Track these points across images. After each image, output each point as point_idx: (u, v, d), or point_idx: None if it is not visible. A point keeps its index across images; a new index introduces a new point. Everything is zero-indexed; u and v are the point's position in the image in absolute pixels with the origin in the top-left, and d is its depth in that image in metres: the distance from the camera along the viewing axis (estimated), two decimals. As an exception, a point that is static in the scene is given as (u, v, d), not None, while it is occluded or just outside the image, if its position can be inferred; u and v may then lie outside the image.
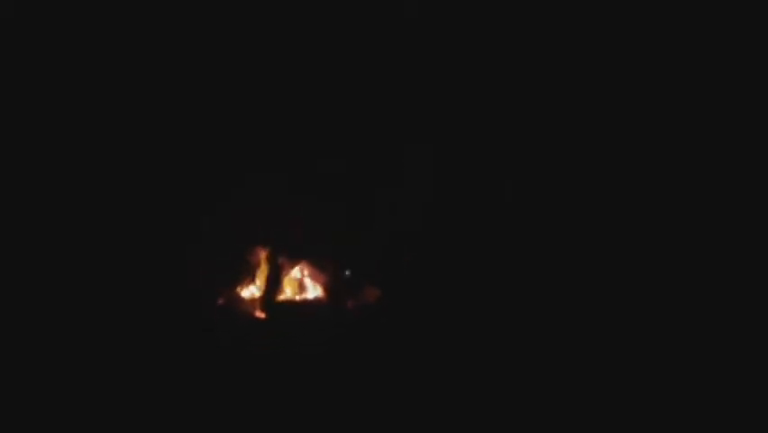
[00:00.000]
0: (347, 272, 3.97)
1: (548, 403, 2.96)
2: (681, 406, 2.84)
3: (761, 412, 2.66)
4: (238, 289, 4.24)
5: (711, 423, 2.73)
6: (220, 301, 4.08)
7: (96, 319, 3.23)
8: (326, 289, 4.33)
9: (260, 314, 4.45)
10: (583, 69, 2.99)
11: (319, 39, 3.02)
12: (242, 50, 3.11)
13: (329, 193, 3.65)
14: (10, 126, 3.02)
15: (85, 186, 3.22)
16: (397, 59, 2.99)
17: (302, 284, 4.55)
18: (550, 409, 2.93)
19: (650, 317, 3.12)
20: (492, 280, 3.20)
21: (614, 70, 2.99)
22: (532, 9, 2.92)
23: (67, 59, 3.09)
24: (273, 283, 4.45)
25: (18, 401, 2.74)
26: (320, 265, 4.25)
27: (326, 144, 3.25)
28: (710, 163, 3.03)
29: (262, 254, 4.26)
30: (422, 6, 2.95)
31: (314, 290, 4.35)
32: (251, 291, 4.51)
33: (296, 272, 4.40)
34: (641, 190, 3.12)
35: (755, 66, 2.84)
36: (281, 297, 4.33)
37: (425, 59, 3.02)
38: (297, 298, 4.45)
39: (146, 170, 3.35)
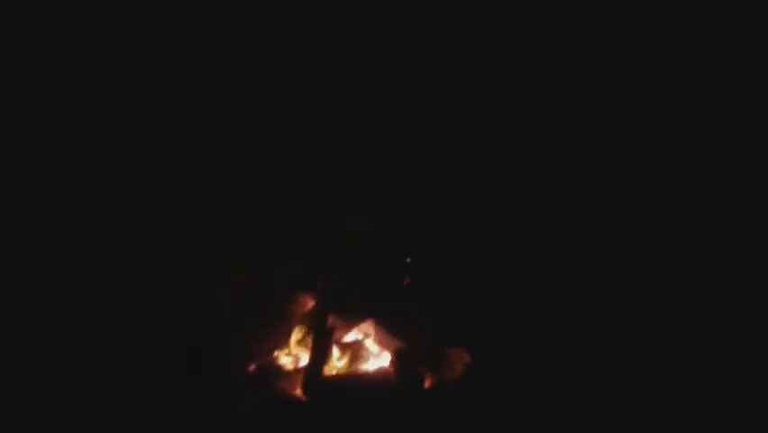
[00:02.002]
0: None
1: (550, 403, 2.90)
2: (682, 406, 2.78)
3: (761, 412, 2.63)
4: (275, 354, 3.36)
5: (711, 423, 2.69)
6: (250, 369, 3.26)
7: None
8: (396, 357, 3.31)
9: (299, 392, 3.10)
10: (583, 68, 2.96)
11: (319, 38, 2.99)
12: (242, 50, 3.07)
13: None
14: (10, 126, 2.95)
15: (85, 191, 3.07)
16: (397, 58, 2.97)
17: (361, 351, 3.42)
18: (552, 408, 2.88)
19: (650, 316, 3.01)
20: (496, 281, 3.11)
21: (613, 70, 2.96)
22: (532, 9, 2.92)
23: (66, 60, 3.01)
24: (320, 350, 3.13)
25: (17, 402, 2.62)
26: (391, 324, 3.33)
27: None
28: (710, 163, 2.97)
29: (307, 306, 3.45)
30: (422, 6, 2.94)
31: (377, 360, 3.40)
32: (288, 361, 3.40)
33: (354, 335, 3.48)
34: (640, 190, 3.05)
35: (755, 66, 2.83)
36: (331, 370, 3.36)
37: (425, 59, 2.99)
38: (354, 371, 3.39)
39: (156, 181, 3.16)
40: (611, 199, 3.07)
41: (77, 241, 3.02)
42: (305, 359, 3.35)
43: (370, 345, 3.41)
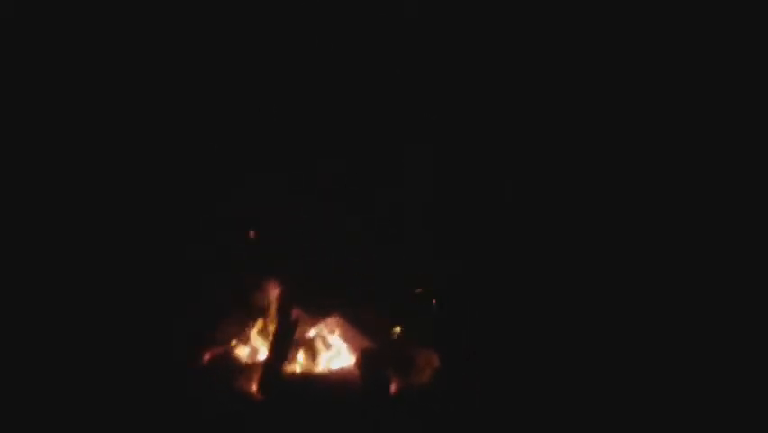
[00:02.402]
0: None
1: (553, 403, 2.86)
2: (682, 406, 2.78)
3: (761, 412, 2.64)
4: (232, 345, 3.11)
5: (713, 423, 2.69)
6: (203, 360, 3.03)
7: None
8: (363, 357, 3.08)
9: (255, 389, 2.90)
10: (583, 68, 2.92)
11: (319, 38, 2.94)
12: (241, 50, 3.01)
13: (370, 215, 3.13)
14: (10, 126, 2.94)
15: (83, 191, 3.04)
16: (397, 58, 2.91)
17: (325, 348, 3.20)
18: (554, 408, 2.84)
19: (651, 316, 3.00)
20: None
21: (613, 70, 2.93)
22: (532, 9, 2.88)
23: (66, 60, 2.97)
24: (282, 344, 2.87)
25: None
26: (360, 321, 3.13)
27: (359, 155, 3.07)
28: (710, 163, 2.97)
29: (272, 295, 3.15)
30: (422, 6, 2.89)
31: (342, 358, 3.15)
32: (247, 353, 3.11)
33: (318, 331, 3.21)
34: (641, 190, 3.03)
35: (755, 66, 2.83)
36: (292, 367, 3.10)
37: (425, 59, 2.93)
38: (316, 369, 3.13)
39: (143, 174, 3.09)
40: (611, 199, 3.03)
41: (74, 241, 2.99)
42: (264, 353, 3.09)
43: (336, 341, 3.16)
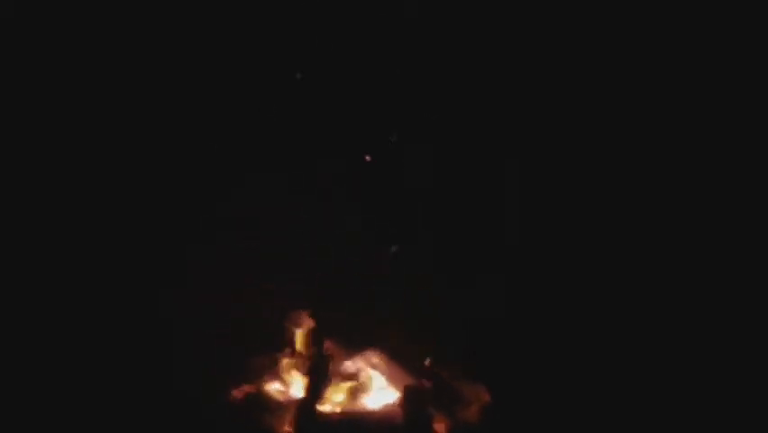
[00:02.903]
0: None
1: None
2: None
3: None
4: (263, 384, 2.88)
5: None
6: (231, 398, 2.81)
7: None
8: (408, 394, 2.82)
9: (289, 430, 2.71)
10: (584, 69, 2.90)
11: (319, 38, 2.92)
12: (241, 50, 3.00)
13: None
14: (10, 126, 2.92)
15: (83, 191, 3.01)
16: (397, 59, 2.90)
17: (364, 384, 2.93)
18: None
19: (652, 316, 2.94)
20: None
21: (615, 70, 2.90)
22: (532, 9, 2.86)
23: (67, 60, 2.95)
24: (317, 381, 2.63)
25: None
26: (401, 354, 2.92)
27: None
28: (711, 163, 2.91)
29: (304, 327, 2.94)
30: (422, 6, 2.87)
31: (383, 396, 2.88)
32: (277, 390, 2.89)
33: (355, 365, 2.96)
34: (641, 190, 3.00)
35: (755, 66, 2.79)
36: (328, 405, 2.86)
37: (425, 60, 2.92)
38: (355, 408, 2.87)
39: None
40: (612, 199, 2.99)
41: (74, 240, 2.96)
42: (297, 389, 2.85)
43: (376, 377, 2.90)
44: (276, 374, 2.90)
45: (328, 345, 2.81)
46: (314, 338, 2.85)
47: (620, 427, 2.79)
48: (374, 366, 2.92)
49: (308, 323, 2.95)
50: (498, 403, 2.86)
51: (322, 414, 2.74)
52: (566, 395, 2.88)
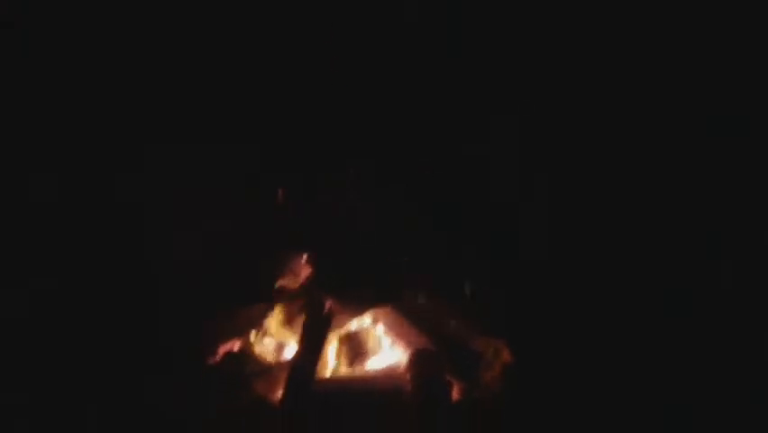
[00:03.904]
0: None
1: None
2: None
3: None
4: (249, 338, 2.52)
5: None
6: (214, 356, 2.43)
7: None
8: (416, 358, 2.42)
9: (280, 396, 2.29)
10: (586, 69, 2.77)
11: (319, 39, 2.75)
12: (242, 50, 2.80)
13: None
14: (11, 127, 2.73)
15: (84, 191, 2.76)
16: (398, 60, 2.74)
17: (366, 344, 2.56)
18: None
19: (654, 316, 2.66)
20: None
21: (615, 70, 2.77)
22: (533, 10, 2.74)
23: (68, 60, 2.78)
24: (313, 340, 2.24)
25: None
26: (412, 311, 2.52)
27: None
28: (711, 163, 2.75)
29: (300, 277, 2.56)
30: (422, 8, 2.72)
31: (388, 359, 2.51)
32: (268, 349, 2.49)
33: (358, 323, 2.57)
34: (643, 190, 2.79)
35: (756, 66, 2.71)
36: (325, 369, 2.49)
37: (426, 61, 2.75)
38: (356, 373, 2.49)
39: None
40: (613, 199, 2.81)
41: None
42: (290, 350, 2.46)
43: (381, 337, 2.51)
44: (265, 330, 2.49)
45: (328, 299, 2.38)
46: (311, 289, 2.42)
47: (656, 382, 2.49)
48: (380, 324, 2.52)
49: (305, 271, 2.54)
50: (521, 363, 2.50)
51: (319, 380, 2.34)
52: (595, 355, 2.53)
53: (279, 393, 2.32)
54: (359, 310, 2.47)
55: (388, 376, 2.42)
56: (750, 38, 2.71)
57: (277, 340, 2.50)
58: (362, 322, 2.51)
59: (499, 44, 2.80)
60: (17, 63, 2.76)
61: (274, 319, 2.50)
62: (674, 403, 2.37)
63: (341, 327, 2.48)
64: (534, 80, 2.79)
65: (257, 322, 2.49)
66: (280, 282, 2.55)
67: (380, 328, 2.52)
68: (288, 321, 2.48)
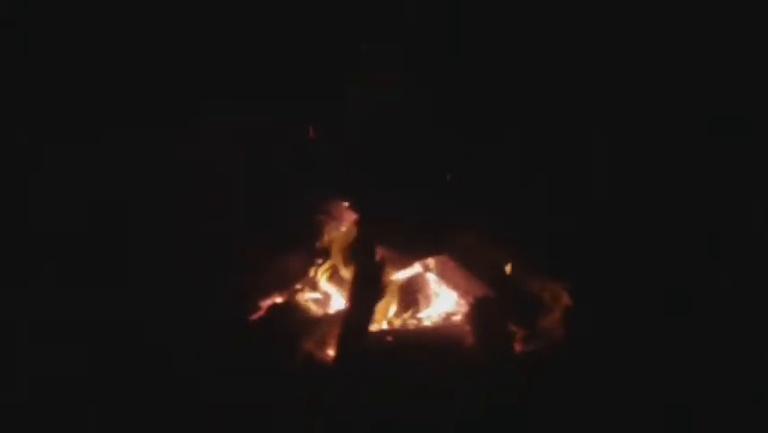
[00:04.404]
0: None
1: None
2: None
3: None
4: (295, 291, 2.34)
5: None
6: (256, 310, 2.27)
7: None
8: (477, 307, 2.24)
9: (332, 354, 2.13)
10: (589, 70, 2.70)
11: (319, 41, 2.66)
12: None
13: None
14: (11, 127, 2.67)
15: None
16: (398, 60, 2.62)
17: (419, 292, 2.37)
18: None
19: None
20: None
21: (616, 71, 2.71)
22: (534, 10, 2.68)
23: (71, 60, 2.68)
24: (365, 292, 2.11)
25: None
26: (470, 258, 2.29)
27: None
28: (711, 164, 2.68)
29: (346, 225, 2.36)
30: (422, 9, 2.64)
31: (446, 309, 2.35)
32: (315, 302, 2.35)
33: (412, 273, 2.36)
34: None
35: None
36: (378, 322, 2.27)
37: (426, 62, 2.64)
38: (412, 325, 2.30)
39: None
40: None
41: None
42: (339, 303, 2.28)
43: (436, 286, 2.32)
44: (310, 282, 2.31)
45: (380, 252, 2.18)
46: (362, 243, 2.23)
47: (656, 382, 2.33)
48: (434, 272, 2.33)
49: (349, 216, 2.34)
50: (582, 307, 2.33)
51: (373, 334, 2.16)
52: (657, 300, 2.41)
53: (330, 350, 2.16)
54: (411, 259, 2.27)
55: (445, 328, 2.24)
56: (750, 38, 2.65)
57: (323, 293, 2.32)
58: (416, 271, 2.32)
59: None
60: (17, 63, 2.69)
61: (319, 270, 2.30)
62: (674, 403, 2.22)
63: (391, 275, 2.28)
64: (534, 80, 2.71)
65: (300, 273, 2.30)
66: (323, 229, 2.36)
67: (437, 279, 2.33)
68: (334, 272, 2.30)
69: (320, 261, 2.33)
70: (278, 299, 2.30)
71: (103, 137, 2.59)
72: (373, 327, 2.19)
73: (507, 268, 2.40)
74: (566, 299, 2.34)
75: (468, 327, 2.21)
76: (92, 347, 2.25)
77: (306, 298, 2.33)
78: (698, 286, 2.48)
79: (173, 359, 2.19)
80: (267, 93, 2.64)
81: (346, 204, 2.37)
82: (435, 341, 2.20)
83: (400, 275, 2.31)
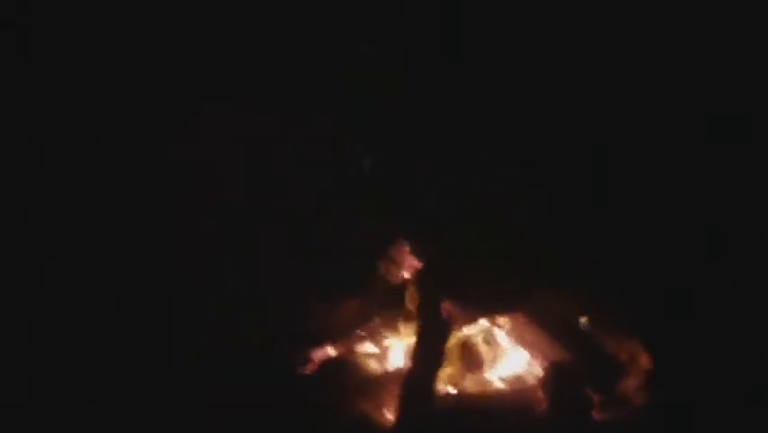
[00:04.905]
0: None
1: None
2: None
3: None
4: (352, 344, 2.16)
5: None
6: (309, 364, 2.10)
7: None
8: (554, 372, 2.04)
9: (393, 416, 1.93)
10: (589, 70, 2.64)
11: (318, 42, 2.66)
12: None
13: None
14: (11, 127, 2.63)
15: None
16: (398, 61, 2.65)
17: (490, 356, 2.14)
18: None
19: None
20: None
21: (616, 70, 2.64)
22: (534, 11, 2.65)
23: (71, 60, 2.65)
24: (431, 349, 1.88)
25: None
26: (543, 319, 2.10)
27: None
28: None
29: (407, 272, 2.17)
30: (422, 9, 2.65)
31: (518, 370, 2.13)
32: (370, 356, 2.16)
33: (481, 329, 2.14)
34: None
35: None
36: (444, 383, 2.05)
37: (426, 62, 2.65)
38: (481, 387, 2.07)
39: None
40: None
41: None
42: (400, 359, 2.08)
43: (509, 345, 2.11)
44: (368, 334, 2.12)
45: (446, 306, 1.98)
46: (423, 287, 2.03)
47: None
48: (504, 330, 2.12)
49: (412, 263, 2.14)
50: (663, 370, 2.13)
51: (438, 395, 1.96)
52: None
53: (388, 413, 1.95)
54: (481, 314, 2.06)
55: (515, 392, 2.03)
56: (750, 38, 2.61)
57: (382, 346, 2.12)
58: (484, 327, 2.11)
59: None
60: (17, 63, 2.66)
61: (380, 325, 2.11)
62: (674, 403, 2.13)
63: (456, 330, 2.08)
64: (533, 80, 2.64)
65: (358, 326, 2.10)
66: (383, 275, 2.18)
67: (507, 337, 2.12)
68: (395, 327, 2.10)
69: (379, 314, 2.13)
70: (332, 351, 2.11)
71: (103, 137, 2.55)
72: (439, 387, 1.98)
73: (582, 321, 2.20)
74: (645, 361, 2.13)
75: (540, 393, 2.00)
76: (92, 347, 2.22)
77: (362, 351, 2.13)
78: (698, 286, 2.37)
79: (173, 359, 2.14)
80: (267, 93, 2.60)
81: (406, 246, 2.17)
82: (504, 407, 1.98)
83: (469, 331, 2.10)
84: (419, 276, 2.07)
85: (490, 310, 2.06)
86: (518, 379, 2.09)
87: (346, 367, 2.05)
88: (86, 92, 2.63)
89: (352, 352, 2.11)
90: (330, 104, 2.59)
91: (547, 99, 2.57)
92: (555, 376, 1.99)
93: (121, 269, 2.38)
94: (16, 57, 2.65)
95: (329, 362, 2.06)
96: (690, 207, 2.54)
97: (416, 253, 2.13)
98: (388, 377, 2.03)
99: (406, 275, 2.15)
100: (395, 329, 2.11)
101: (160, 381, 2.11)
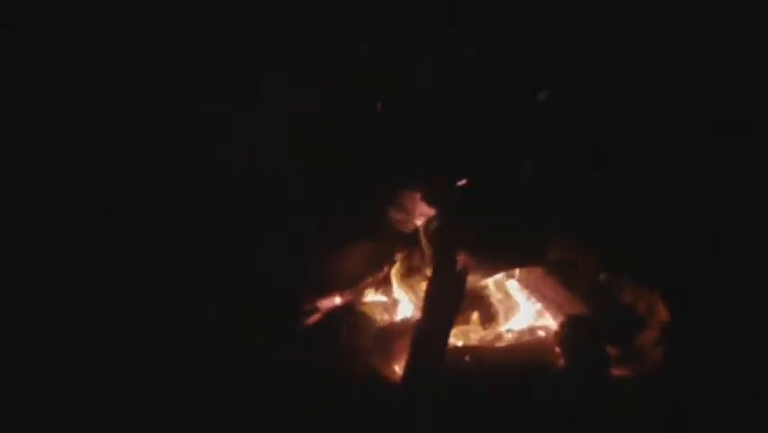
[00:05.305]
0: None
1: None
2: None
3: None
4: (359, 293, 2.08)
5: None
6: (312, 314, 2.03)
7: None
8: (569, 327, 1.96)
9: (399, 372, 1.87)
10: (589, 70, 2.62)
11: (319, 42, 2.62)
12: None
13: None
14: (11, 127, 2.61)
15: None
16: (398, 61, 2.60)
17: (504, 310, 2.06)
18: None
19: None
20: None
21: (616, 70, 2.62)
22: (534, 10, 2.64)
23: (71, 60, 2.61)
24: (443, 303, 1.84)
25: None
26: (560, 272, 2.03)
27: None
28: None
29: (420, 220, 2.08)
30: (422, 9, 2.62)
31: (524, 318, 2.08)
32: (380, 306, 2.08)
33: (495, 282, 2.07)
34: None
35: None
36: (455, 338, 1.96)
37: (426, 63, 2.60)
38: (493, 343, 2.00)
39: None
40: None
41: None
42: (409, 310, 1.99)
43: (523, 299, 2.02)
44: (379, 286, 2.03)
45: (462, 257, 1.88)
46: (437, 239, 1.93)
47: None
48: (521, 283, 2.03)
49: (425, 211, 2.04)
50: (683, 324, 2.08)
51: (453, 352, 1.88)
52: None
53: (398, 366, 1.88)
54: (496, 269, 1.97)
55: (530, 346, 1.96)
56: (750, 38, 2.58)
57: (393, 297, 2.04)
58: (499, 280, 2.03)
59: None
60: (17, 63, 2.62)
61: (390, 273, 2.03)
62: (674, 403, 2.08)
63: (471, 283, 1.99)
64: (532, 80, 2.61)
65: (366, 275, 2.01)
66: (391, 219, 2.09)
67: (514, 284, 2.04)
68: (406, 275, 2.01)
69: (387, 261, 2.04)
70: (339, 301, 2.03)
71: (103, 137, 2.52)
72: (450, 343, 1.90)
73: (601, 276, 2.11)
74: (663, 313, 2.05)
75: (557, 348, 1.92)
76: (92, 347, 2.20)
77: (371, 301, 2.05)
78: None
79: (173, 359, 2.11)
80: (267, 93, 2.54)
81: (419, 196, 2.07)
82: (520, 362, 1.91)
83: (482, 283, 2.01)
84: (433, 227, 1.97)
85: (508, 263, 1.96)
86: (532, 332, 2.02)
87: (353, 317, 1.97)
88: (86, 92, 2.57)
89: (360, 301, 2.03)
90: (330, 103, 2.51)
91: (547, 99, 2.51)
92: (572, 330, 1.91)
93: (121, 269, 2.35)
94: (16, 57, 2.62)
95: (335, 312, 1.98)
96: (690, 205, 2.47)
97: (428, 200, 2.04)
98: (397, 328, 1.95)
99: (418, 222, 2.05)
100: (405, 279, 2.02)
101: (160, 381, 2.09)
